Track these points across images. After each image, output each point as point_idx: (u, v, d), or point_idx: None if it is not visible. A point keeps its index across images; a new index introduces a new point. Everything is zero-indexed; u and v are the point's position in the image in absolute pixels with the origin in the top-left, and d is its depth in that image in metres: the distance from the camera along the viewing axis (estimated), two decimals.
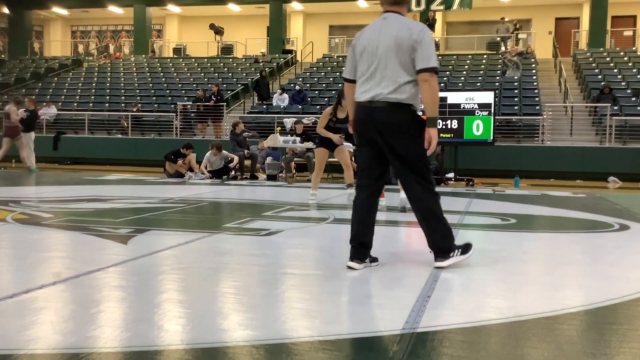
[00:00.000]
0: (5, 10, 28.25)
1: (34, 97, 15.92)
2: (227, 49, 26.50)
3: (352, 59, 3.84)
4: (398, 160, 3.73)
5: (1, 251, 4.42)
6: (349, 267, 3.76)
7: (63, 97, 21.64)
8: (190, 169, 12.54)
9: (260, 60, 23.64)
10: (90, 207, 7.09)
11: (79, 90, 22.38)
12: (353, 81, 3.85)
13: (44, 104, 19.48)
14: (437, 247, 3.81)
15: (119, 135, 18.57)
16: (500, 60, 20.81)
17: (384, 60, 3.67)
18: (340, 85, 19.87)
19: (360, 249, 3.82)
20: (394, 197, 7.49)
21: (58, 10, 29.27)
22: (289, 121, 15.51)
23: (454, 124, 11.65)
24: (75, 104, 20.82)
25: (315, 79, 21.06)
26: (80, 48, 32.15)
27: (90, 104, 20.67)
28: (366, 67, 3.73)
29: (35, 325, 2.54)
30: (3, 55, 29.19)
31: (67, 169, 15.25)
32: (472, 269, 3.91)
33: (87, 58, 29.27)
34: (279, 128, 14.97)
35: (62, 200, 7.96)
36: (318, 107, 17.73)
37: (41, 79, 24.47)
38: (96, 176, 12.68)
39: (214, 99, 17.94)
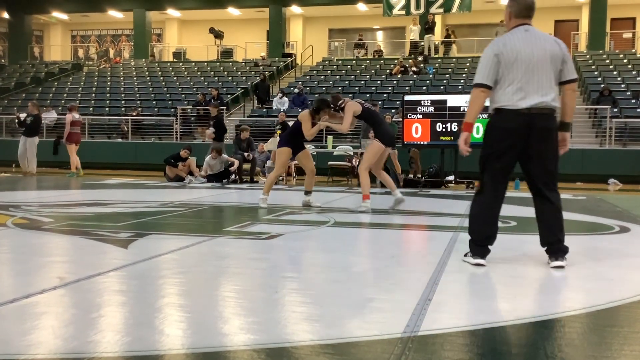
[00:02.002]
0: (6, 15, 28.30)
1: (35, 101, 15.93)
2: (227, 53, 26.53)
3: (494, 66, 3.94)
4: (543, 164, 3.96)
5: (2, 256, 4.42)
6: (480, 265, 4.01)
7: (63, 101, 21.64)
8: (191, 173, 12.54)
9: (260, 64, 23.67)
10: (91, 212, 7.09)
11: (79, 95, 22.39)
12: (489, 88, 3.96)
13: (44, 108, 19.49)
14: (563, 247, 3.99)
15: (119, 140, 18.58)
16: None
17: (539, 70, 3.90)
18: (340, 88, 19.91)
19: (488, 248, 4.06)
20: (384, 199, 7.50)
21: (58, 14, 29.31)
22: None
23: (454, 126, 11.66)
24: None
25: (315, 82, 21.08)
26: (80, 52, 32.19)
27: (91, 109, 20.68)
28: (520, 75, 3.89)
29: (36, 330, 2.54)
30: (3, 60, 29.22)
31: (67, 173, 15.24)
32: (473, 272, 3.92)
33: (87, 62, 29.32)
34: (279, 131, 14.96)
35: (63, 204, 7.96)
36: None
37: (41, 83, 24.49)
38: (97, 180, 12.68)
39: (214, 102, 17.95)
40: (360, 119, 7.60)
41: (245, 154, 13.07)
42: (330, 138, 13.76)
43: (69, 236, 5.24)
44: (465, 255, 4.18)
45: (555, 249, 3.99)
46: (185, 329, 2.64)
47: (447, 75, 20.26)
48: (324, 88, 20.25)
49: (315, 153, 13.35)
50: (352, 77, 21.30)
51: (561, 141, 4.02)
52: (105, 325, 2.67)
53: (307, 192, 7.71)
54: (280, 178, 12.79)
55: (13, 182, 12.15)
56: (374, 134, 7.45)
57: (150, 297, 3.15)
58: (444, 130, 11.74)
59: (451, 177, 12.21)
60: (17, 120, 14.62)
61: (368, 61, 23.76)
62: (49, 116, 19.32)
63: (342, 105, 7.35)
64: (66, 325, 2.64)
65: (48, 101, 21.39)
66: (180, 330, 2.62)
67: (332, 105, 7.44)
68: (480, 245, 4.06)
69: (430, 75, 20.30)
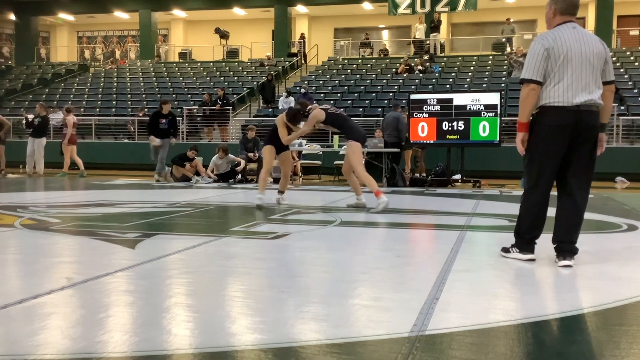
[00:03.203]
0: (12, 16, 28.42)
1: (43, 103, 16.01)
2: (232, 53, 26.57)
3: (543, 61, 3.90)
4: (584, 162, 3.98)
5: (9, 257, 4.44)
6: (532, 260, 4.06)
7: (70, 102, 21.68)
8: (197, 173, 12.56)
9: (266, 64, 23.68)
10: (98, 212, 7.12)
11: (85, 96, 22.47)
12: (540, 84, 3.92)
13: (51, 109, 19.57)
14: (573, 248, 3.99)
15: (126, 140, 18.62)
16: (506, 61, 20.78)
17: (586, 68, 3.90)
18: (346, 87, 19.90)
19: (571, 246, 4.02)
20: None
21: (64, 16, 29.41)
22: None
23: (460, 125, 11.63)
24: (82, 109, 20.90)
25: (321, 82, 21.08)
26: (87, 54, 32.30)
27: (97, 109, 20.76)
28: (569, 72, 3.88)
29: (44, 331, 2.55)
30: (10, 62, 29.35)
31: (74, 174, 15.30)
32: (480, 271, 3.91)
33: (93, 63, 29.41)
34: None
35: (70, 205, 8.00)
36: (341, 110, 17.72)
37: (48, 84, 24.59)
38: (103, 181, 12.73)
39: (220, 102, 17.98)
40: (327, 124, 7.62)
41: (251, 154, 13.07)
42: (336, 137, 13.75)
43: (77, 237, 5.26)
44: (506, 251, 4.21)
45: (566, 248, 3.98)
46: (193, 328, 2.64)
47: (453, 74, 20.21)
48: (329, 87, 20.25)
49: (321, 152, 13.36)
50: (358, 76, 21.28)
51: (598, 141, 4.04)
52: (113, 325, 2.68)
53: (280, 192, 8.01)
54: (292, 178, 12.79)
55: (21, 183, 12.21)
56: (347, 136, 7.47)
57: (157, 297, 3.16)
58: (450, 129, 11.71)
59: (457, 176, 12.19)
60: (24, 122, 14.68)
61: (374, 60, 23.74)
62: (56, 117, 19.39)
63: (309, 111, 7.52)
64: (74, 326, 2.65)
65: (55, 102, 21.47)
66: (187, 330, 2.62)
67: (305, 114, 7.58)
68: (529, 242, 4.09)
69: (436, 74, 20.26)
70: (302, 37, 26.27)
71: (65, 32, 32.30)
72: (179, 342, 2.44)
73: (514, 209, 4.53)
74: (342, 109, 17.62)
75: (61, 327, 2.63)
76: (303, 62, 25.42)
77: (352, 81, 20.68)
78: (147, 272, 3.77)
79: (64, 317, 2.79)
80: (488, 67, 20.92)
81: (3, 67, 27.93)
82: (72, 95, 22.65)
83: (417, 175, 12.86)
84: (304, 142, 12.78)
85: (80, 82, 24.45)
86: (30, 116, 14.42)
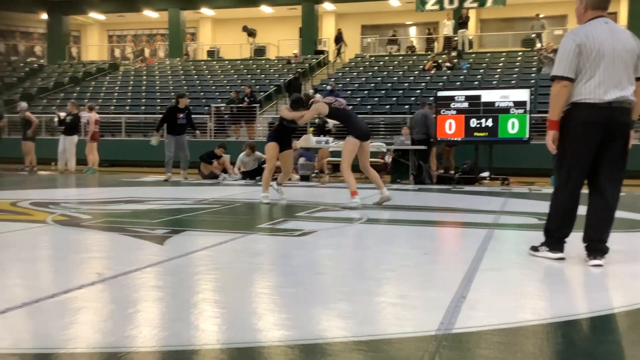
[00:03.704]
0: (44, 16, 28.96)
1: (74, 101, 16.30)
2: (259, 51, 26.67)
3: (575, 58, 3.84)
4: (616, 160, 3.93)
5: (41, 252, 4.53)
6: (561, 259, 4.02)
7: (100, 100, 22.05)
8: (224, 170, 12.66)
9: (293, 62, 23.73)
10: (128, 209, 7.22)
11: (115, 94, 22.78)
12: (572, 80, 3.87)
13: (82, 107, 19.89)
14: (604, 247, 3.92)
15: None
16: (535, 57, 20.48)
17: (618, 64, 3.85)
18: (372, 85, 19.84)
19: (602, 245, 3.95)
20: (406, 195, 7.44)
21: (95, 15, 29.86)
22: (331, 121, 15.45)
23: (489, 122, 11.50)
24: (112, 108, 21.21)
25: (348, 79, 21.04)
26: (117, 52, 32.74)
27: (127, 107, 21.03)
28: (601, 68, 3.82)
29: (75, 325, 2.60)
30: (42, 61, 29.91)
31: (104, 171, 15.55)
32: (508, 269, 3.87)
33: (123, 62, 29.81)
34: (311, 129, 14.98)
35: (100, 201, 8.13)
36: (350, 107, 17.66)
37: (79, 83, 24.99)
38: (133, 178, 12.91)
39: (247, 100, 18.07)
40: (331, 118, 7.71)
41: None
42: None
43: (107, 233, 5.35)
44: (535, 250, 4.16)
45: (596, 247, 3.91)
46: (220, 324, 2.67)
47: (482, 71, 19.99)
48: (356, 85, 20.20)
49: None
50: (385, 73, 21.19)
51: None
52: (142, 320, 2.72)
53: (279, 184, 8.06)
54: (314, 175, 12.82)
55: (52, 180, 12.45)
56: (347, 131, 7.50)
57: (185, 293, 3.20)
58: (478, 126, 11.59)
59: (486, 174, 12.06)
60: (56, 119, 14.96)
61: (401, 57, 23.60)
62: (87, 115, 19.70)
63: (311, 103, 7.67)
64: (104, 320, 2.69)
65: (86, 100, 21.77)
66: (215, 325, 2.65)
67: (304, 104, 7.76)
68: (558, 240, 4.04)
69: (464, 71, 20.07)
70: (340, 32, 26.21)
71: (95, 31, 32.79)
72: (206, 338, 2.47)
73: (544, 207, 4.47)
74: (369, 106, 17.63)
75: (91, 321, 2.68)
76: (338, 58, 25.37)
77: (379, 78, 20.60)
78: (175, 268, 3.82)
79: (94, 312, 2.84)
80: (517, 64, 20.64)
81: (35, 65, 28.48)
82: (102, 94, 22.98)
83: (441, 171, 12.74)
84: (332, 139, 12.77)
85: (111, 80, 24.80)
86: (62, 114, 14.68)
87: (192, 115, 12.76)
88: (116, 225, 5.66)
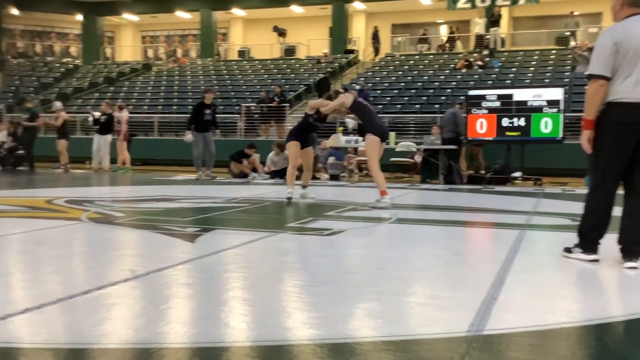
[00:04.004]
0: (80, 17, 29.54)
1: (109, 100, 16.59)
2: (290, 51, 26.76)
3: (612, 56, 3.78)
4: None
5: (76, 249, 4.62)
6: (595, 261, 3.95)
7: (133, 100, 22.39)
8: (254, 169, 12.73)
9: (323, 61, 23.74)
10: (160, 207, 7.32)
11: (148, 94, 23.11)
12: (608, 79, 3.81)
13: (116, 107, 20.22)
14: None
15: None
16: (569, 56, 20.13)
17: None
18: (403, 84, 19.73)
19: (638, 247, 3.88)
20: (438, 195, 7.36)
21: (129, 16, 30.34)
22: (351, 121, 15.47)
23: (521, 121, 11.35)
24: (144, 107, 21.51)
25: (378, 79, 20.97)
26: (150, 53, 33.21)
27: (159, 107, 21.30)
28: (639, 67, 3.75)
29: (108, 321, 2.65)
30: (77, 61, 30.51)
31: (137, 169, 15.79)
32: (541, 271, 3.81)
33: (156, 62, 30.22)
34: (341, 128, 14.96)
35: (133, 199, 8.25)
36: (380, 106, 17.64)
37: (113, 83, 25.42)
38: (165, 176, 13.07)
39: (277, 100, 18.15)
40: (353, 112, 7.79)
41: None
42: (392, 134, 13.64)
43: (139, 230, 5.43)
44: (568, 251, 4.10)
45: (632, 249, 3.82)
46: (250, 322, 2.69)
47: (514, 69, 19.72)
48: (386, 84, 20.12)
49: None
50: (415, 72, 21.06)
51: None
52: (174, 317, 2.75)
53: (304, 186, 8.25)
54: (344, 175, 12.81)
55: (87, 178, 12.69)
56: (366, 129, 7.58)
57: (215, 291, 3.23)
58: (510, 125, 11.44)
59: (517, 174, 11.89)
60: (91, 119, 15.24)
61: (431, 56, 23.43)
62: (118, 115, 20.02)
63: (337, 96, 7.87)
64: (137, 317, 2.74)
65: (119, 100, 22.12)
66: (244, 323, 2.67)
67: (330, 95, 8.11)
68: (593, 242, 3.98)
69: (496, 69, 19.83)
70: (376, 30, 26.14)
71: (129, 32, 33.30)
72: (236, 335, 2.48)
73: (577, 207, 4.40)
74: (399, 106, 17.54)
75: (124, 317, 2.72)
76: (373, 56, 25.32)
77: (409, 77, 20.48)
78: (205, 266, 3.86)
79: (127, 308, 2.88)
80: (551, 62, 20.30)
81: (71, 66, 29.06)
82: (135, 94, 23.33)
83: (476, 172, 12.61)
84: (360, 139, 12.73)
85: (144, 80, 25.16)
86: (97, 114, 14.95)
87: (223, 115, 12.84)
88: (148, 223, 5.74)
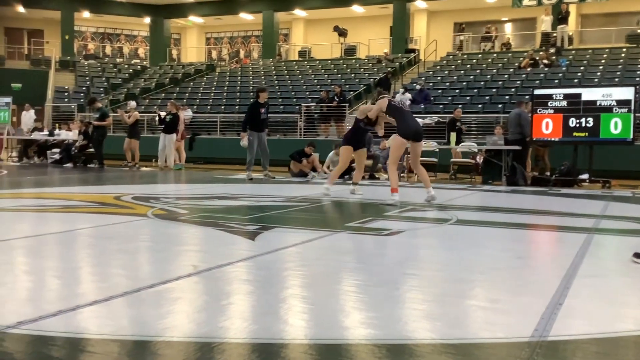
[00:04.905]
0: (147, 19, 30.49)
1: (174, 101, 17.06)
2: (350, 50, 26.76)
3: None
4: None
5: (142, 244, 4.77)
6: None
7: (198, 100, 22.91)
8: (314, 169, 12.80)
9: (383, 60, 23.62)
10: (222, 205, 7.46)
11: (212, 94, 23.59)
12: None
13: (181, 107, 20.73)
14: None
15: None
16: None
17: None
18: (465, 83, 19.39)
19: None
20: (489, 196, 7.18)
21: (194, 18, 31.09)
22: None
23: (589, 122, 10.96)
24: (208, 107, 21.97)
25: (439, 78, 20.69)
26: (214, 54, 33.91)
27: (222, 107, 21.71)
28: None
29: (171, 314, 2.72)
30: (145, 62, 31.49)
31: (201, 168, 16.15)
32: (609, 277, 3.67)
33: (219, 63, 30.84)
34: None
35: (196, 197, 8.45)
36: (441, 106, 17.41)
37: (178, 84, 26.09)
38: (227, 175, 13.32)
39: (337, 99, 18.18)
40: (388, 114, 7.97)
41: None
42: (453, 135, 13.44)
43: (202, 227, 5.55)
44: (638, 257, 3.96)
45: None
46: (308, 320, 2.71)
47: (582, 68, 19.06)
48: (447, 83, 19.83)
49: (437, 150, 13.14)
50: (478, 71, 20.65)
51: None
52: (234, 312, 2.80)
53: (355, 184, 8.67)
54: (402, 175, 12.71)
55: (153, 176, 13.07)
56: (396, 129, 7.78)
57: (275, 288, 3.27)
58: (577, 125, 11.07)
59: (585, 176, 11.49)
60: (157, 118, 15.69)
61: (495, 54, 22.93)
62: (186, 114, 20.53)
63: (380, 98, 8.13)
64: (199, 311, 2.80)
65: (184, 100, 22.74)
66: (303, 321, 2.69)
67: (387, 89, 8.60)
68: None
69: (563, 68, 19.21)
70: (461, 26, 25.93)
71: (194, 33, 34.11)
72: (294, 332, 2.51)
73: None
74: (460, 105, 17.28)
75: (187, 311, 2.79)
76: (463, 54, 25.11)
77: (471, 77, 20.11)
78: (265, 263, 3.91)
79: (189, 303, 2.96)
80: (621, 60, 19.50)
81: (139, 67, 30.03)
82: (199, 94, 23.87)
83: (541, 174, 12.26)
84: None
85: (208, 81, 25.71)
86: (162, 113, 15.38)
87: (284, 114, 12.89)
88: (211, 220, 5.86)
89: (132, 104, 16.52)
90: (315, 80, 22.98)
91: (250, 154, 12.22)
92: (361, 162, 8.90)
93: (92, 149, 15.75)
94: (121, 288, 3.10)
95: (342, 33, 26.23)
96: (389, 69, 21.51)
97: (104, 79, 27.35)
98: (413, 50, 25.26)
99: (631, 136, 10.78)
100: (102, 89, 25.95)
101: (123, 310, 2.82)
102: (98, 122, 15.42)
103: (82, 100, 23.73)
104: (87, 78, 27.28)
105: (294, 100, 20.77)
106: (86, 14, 30.20)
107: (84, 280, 3.48)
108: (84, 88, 26.04)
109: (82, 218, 5.99)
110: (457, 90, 18.98)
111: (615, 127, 10.82)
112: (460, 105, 17.49)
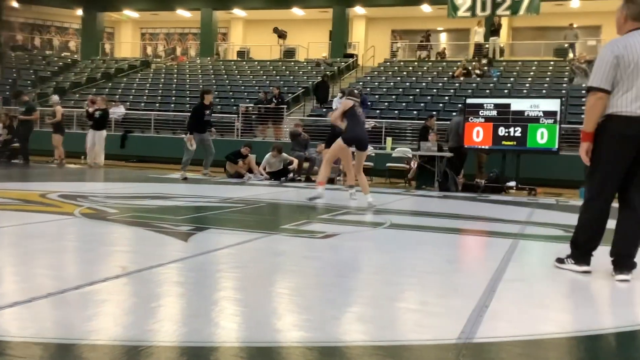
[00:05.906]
0: (80, 12, 29.49)
1: (104, 96, 16.57)
2: (289, 53, 26.78)
3: (612, 69, 3.78)
4: None
5: (68, 244, 4.61)
6: (587, 272, 3.95)
7: (131, 97, 22.34)
8: (250, 170, 12.72)
9: (322, 64, 23.76)
10: (154, 204, 7.30)
11: (146, 91, 23.06)
12: (608, 92, 3.80)
13: (113, 103, 20.17)
14: (632, 262, 3.85)
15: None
16: (567, 68, 20.21)
17: None
18: (400, 90, 19.76)
19: (630, 260, 3.87)
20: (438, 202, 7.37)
21: (129, 12, 30.30)
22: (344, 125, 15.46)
23: (518, 131, 11.38)
24: (142, 104, 21.46)
25: (376, 84, 20.99)
26: (149, 50, 33.16)
27: (157, 104, 21.26)
28: (639, 82, 3.74)
29: (98, 317, 2.64)
30: (76, 56, 30.44)
31: (133, 166, 15.75)
32: (533, 281, 3.82)
33: (155, 60, 30.18)
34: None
35: (127, 196, 8.23)
36: (378, 111, 17.66)
37: (111, 79, 25.36)
38: (160, 174, 13.04)
39: (275, 101, 18.14)
40: (344, 116, 8.06)
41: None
42: (389, 140, 13.68)
43: (132, 227, 5.41)
44: (561, 262, 4.10)
45: (624, 262, 3.84)
46: (240, 322, 2.68)
47: (512, 79, 19.78)
48: (384, 89, 20.14)
49: (373, 154, 13.33)
50: (413, 79, 21.09)
51: None
52: (164, 315, 2.74)
53: (351, 187, 8.46)
54: (339, 179, 12.82)
55: (81, 174, 12.65)
56: (343, 133, 8.02)
57: (207, 290, 3.22)
58: (506, 134, 11.48)
59: (512, 183, 11.92)
60: (85, 114, 15.21)
61: (430, 63, 23.48)
62: (118, 111, 19.99)
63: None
64: (126, 314, 2.73)
65: (117, 96, 22.12)
66: (234, 323, 2.66)
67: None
68: (586, 253, 3.98)
69: (494, 79, 19.88)
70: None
71: (129, 28, 33.24)
72: (226, 335, 2.48)
73: (571, 219, 4.41)
74: (396, 111, 17.58)
75: (114, 314, 2.71)
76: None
77: (407, 84, 20.52)
78: (198, 265, 3.85)
79: (117, 305, 2.87)
80: (549, 73, 20.37)
81: (69, 60, 28.98)
82: (133, 90, 23.28)
83: (478, 181, 12.63)
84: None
85: (142, 77, 25.11)
86: (91, 109, 14.92)
87: (221, 115, 12.76)
88: (142, 220, 5.72)
89: (55, 98, 15.90)
90: (254, 81, 22.86)
91: (187, 154, 12.02)
92: (355, 163, 8.48)
93: (17, 144, 15.10)
94: (45, 289, 2.98)
95: (281, 35, 26.20)
96: (327, 72, 21.64)
97: (31, 71, 26.28)
98: (352, 55, 25.53)
99: (556, 146, 11.27)
100: (29, 82, 24.92)
101: (46, 312, 2.71)
102: (24, 116, 14.80)
103: (7, 93, 22.71)
104: (14, 70, 26.13)
105: (232, 100, 20.58)
106: (15, 3, 28.90)
107: (4, 281, 3.32)
108: (10, 80, 24.93)
109: (4, 216, 5.73)
110: (394, 97, 19.31)
111: (541, 137, 11.28)
112: (396, 111, 17.82)
